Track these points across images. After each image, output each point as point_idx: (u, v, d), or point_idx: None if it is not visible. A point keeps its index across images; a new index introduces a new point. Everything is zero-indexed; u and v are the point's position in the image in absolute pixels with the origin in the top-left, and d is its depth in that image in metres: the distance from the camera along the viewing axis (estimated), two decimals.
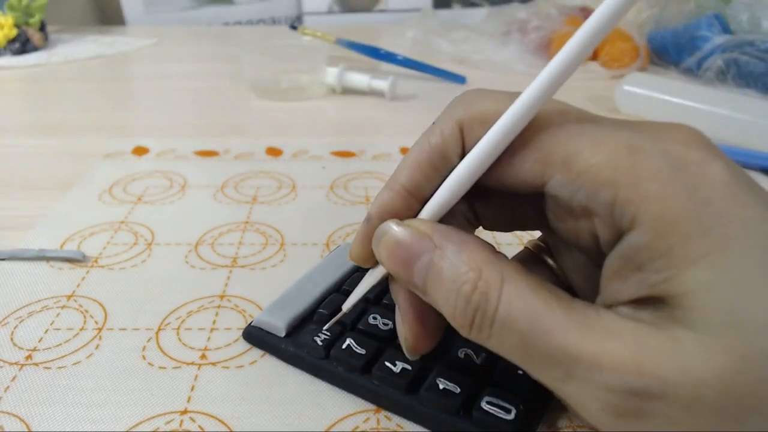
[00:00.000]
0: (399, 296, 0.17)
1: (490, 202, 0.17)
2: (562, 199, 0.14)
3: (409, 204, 0.16)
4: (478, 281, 0.14)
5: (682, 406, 0.12)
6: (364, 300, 0.21)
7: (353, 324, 0.20)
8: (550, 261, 0.18)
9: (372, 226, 0.16)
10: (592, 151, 0.13)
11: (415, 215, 0.16)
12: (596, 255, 0.15)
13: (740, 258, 0.12)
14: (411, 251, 0.15)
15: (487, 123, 0.15)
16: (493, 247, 0.15)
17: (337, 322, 0.20)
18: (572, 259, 0.17)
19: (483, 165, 0.15)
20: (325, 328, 0.19)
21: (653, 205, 0.13)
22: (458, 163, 0.15)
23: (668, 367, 0.12)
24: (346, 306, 0.18)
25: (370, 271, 0.18)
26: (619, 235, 0.13)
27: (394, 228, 0.15)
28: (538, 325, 0.13)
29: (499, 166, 0.15)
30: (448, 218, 0.16)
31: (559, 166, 0.14)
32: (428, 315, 0.16)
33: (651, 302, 0.13)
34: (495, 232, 0.28)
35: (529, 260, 0.18)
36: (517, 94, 0.15)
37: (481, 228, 0.18)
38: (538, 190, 0.15)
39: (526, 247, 0.19)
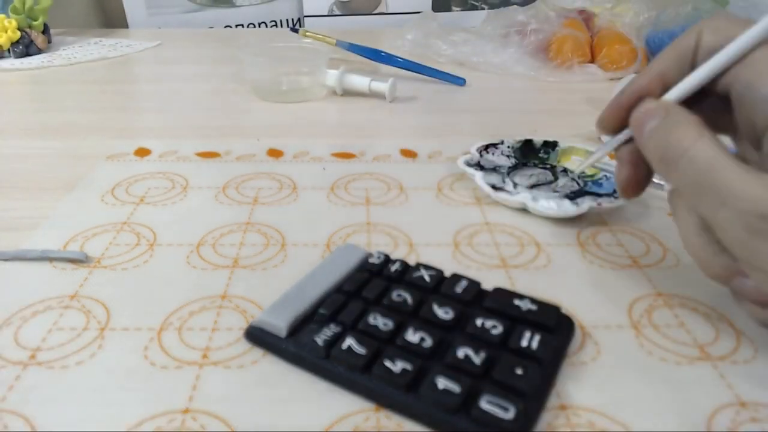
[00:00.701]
0: (624, 154, 0.23)
1: (699, 105, 0.21)
2: (740, 95, 0.20)
3: (654, 85, 0.22)
4: (681, 132, 0.19)
5: None
6: (365, 300, 0.21)
7: (353, 324, 0.20)
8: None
9: (624, 96, 0.23)
10: (765, 62, 0.20)
11: (656, 94, 0.22)
12: (756, 142, 0.20)
13: None
14: (650, 111, 0.21)
15: (718, 32, 0.21)
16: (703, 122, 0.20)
17: (337, 322, 0.20)
18: (744, 150, 0.22)
19: (720, 68, 0.20)
20: (577, 172, 0.28)
21: None
22: (692, 59, 0.21)
23: None
24: (583, 167, 0.27)
25: (609, 139, 0.24)
26: None
27: (647, 100, 0.21)
28: (715, 164, 0.18)
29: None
30: None
31: (745, 70, 0.20)
32: (640, 167, 0.22)
33: None
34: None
35: None
36: (742, 21, 0.21)
37: None
38: (730, 89, 0.20)
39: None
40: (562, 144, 0.35)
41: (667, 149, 0.20)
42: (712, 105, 0.22)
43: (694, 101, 0.22)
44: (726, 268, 0.20)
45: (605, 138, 0.25)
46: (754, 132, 0.20)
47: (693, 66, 0.21)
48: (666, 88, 0.22)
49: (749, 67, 0.20)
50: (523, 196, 0.29)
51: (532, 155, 0.35)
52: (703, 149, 0.19)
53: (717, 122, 0.22)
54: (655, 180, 0.24)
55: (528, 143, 0.35)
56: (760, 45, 0.20)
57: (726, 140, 0.21)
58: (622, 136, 0.23)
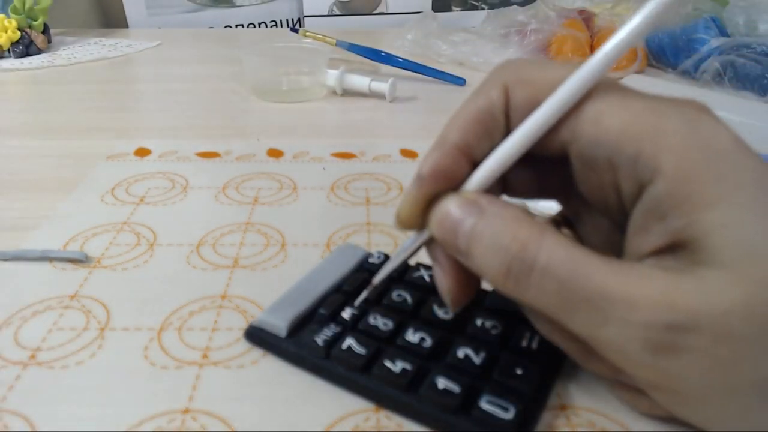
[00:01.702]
0: (440, 253, 0.17)
1: (521, 169, 0.17)
2: (589, 155, 0.16)
3: (458, 162, 0.17)
4: (518, 234, 0.15)
5: (712, 336, 0.13)
6: (364, 300, 0.21)
7: (353, 324, 0.20)
8: (569, 232, 0.19)
9: (424, 186, 0.17)
10: (618, 111, 0.15)
11: (463, 174, 0.17)
12: (617, 213, 0.16)
13: (752, 199, 0.14)
14: (457, 217, 0.16)
15: (530, 85, 0.16)
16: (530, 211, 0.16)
17: (337, 322, 0.20)
18: (594, 225, 0.18)
19: (537, 134, 0.16)
20: (356, 302, 0.21)
21: (673, 156, 0.14)
22: (503, 122, 0.17)
23: (697, 302, 0.13)
24: (377, 279, 0.20)
25: (412, 237, 0.18)
26: (641, 188, 0.15)
27: (446, 200, 0.16)
28: (579, 269, 0.14)
29: None
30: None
31: (590, 123, 0.15)
32: (465, 270, 0.17)
33: (673, 250, 0.14)
34: None
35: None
36: (556, 63, 0.17)
37: (505, 197, 0.19)
38: (567, 149, 0.16)
39: (547, 221, 0.19)
40: None
41: (508, 263, 0.15)
42: (534, 168, 0.18)
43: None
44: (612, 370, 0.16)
45: (411, 233, 0.18)
46: (612, 200, 0.16)
47: (508, 130, 0.16)
48: (474, 164, 0.17)
49: (593, 122, 0.15)
50: None
51: None
52: (555, 251, 0.14)
53: (541, 185, 0.18)
54: None
55: None
56: (595, 93, 0.15)
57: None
58: (423, 238, 0.18)
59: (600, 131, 0.15)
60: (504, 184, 0.18)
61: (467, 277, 0.17)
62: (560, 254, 0.14)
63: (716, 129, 0.15)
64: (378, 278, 0.20)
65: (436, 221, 0.16)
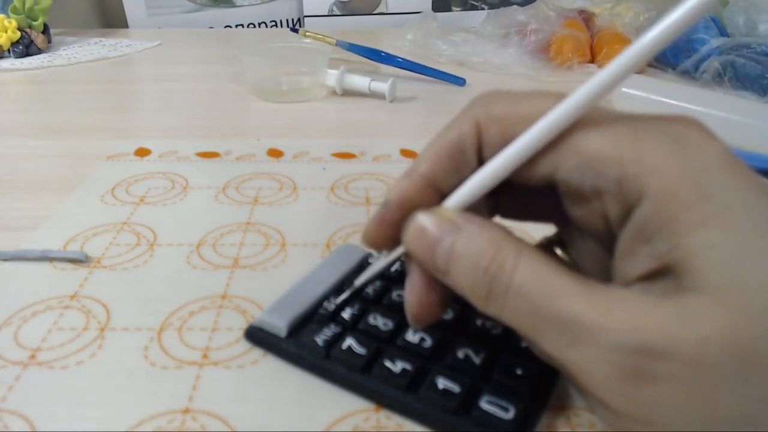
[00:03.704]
0: (413, 269, 0.17)
1: (509, 193, 0.17)
2: (573, 184, 0.15)
3: (426, 193, 0.17)
4: (496, 255, 0.15)
5: (686, 364, 0.12)
6: (364, 300, 0.21)
7: (353, 324, 0.20)
8: (561, 254, 0.18)
9: (389, 211, 0.17)
10: (598, 136, 0.15)
11: (430, 205, 0.17)
12: (608, 239, 0.16)
13: (739, 221, 0.13)
14: (434, 235, 0.16)
15: (502, 123, 0.16)
16: (511, 231, 0.16)
17: (337, 322, 0.20)
18: (585, 248, 0.18)
19: (512, 165, 0.16)
20: (337, 300, 0.21)
21: (656, 177, 0.13)
22: (473, 158, 0.16)
23: (672, 327, 0.12)
24: (359, 282, 0.20)
25: (383, 254, 0.19)
26: (628, 212, 0.14)
27: (421, 216, 0.16)
28: (548, 291, 0.14)
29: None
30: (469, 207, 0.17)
31: (570, 152, 0.15)
32: (437, 289, 0.17)
33: (661, 275, 0.14)
34: None
35: (544, 250, 0.18)
36: (529, 95, 0.16)
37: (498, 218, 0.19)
38: (552, 179, 0.16)
39: (539, 242, 0.19)
40: None
41: (486, 284, 0.14)
42: (517, 194, 0.17)
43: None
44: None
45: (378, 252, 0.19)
46: (599, 225, 0.16)
47: (479, 166, 0.16)
48: (441, 197, 0.17)
49: (579, 149, 0.15)
50: None
51: None
52: (529, 272, 0.14)
53: (526, 211, 0.18)
54: None
55: None
56: (578, 121, 0.15)
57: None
58: (401, 250, 0.18)
59: (581, 160, 0.15)
60: (496, 207, 0.18)
61: (434, 298, 0.17)
62: (533, 275, 0.14)
63: (703, 146, 0.14)
64: (359, 281, 0.20)
65: (411, 238, 0.16)
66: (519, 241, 0.15)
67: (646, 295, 0.13)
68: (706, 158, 0.14)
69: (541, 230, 0.20)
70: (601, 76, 0.14)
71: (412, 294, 0.17)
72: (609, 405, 0.14)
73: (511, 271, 0.14)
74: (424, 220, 0.16)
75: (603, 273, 0.16)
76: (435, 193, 0.17)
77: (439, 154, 0.17)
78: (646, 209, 0.14)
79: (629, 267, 0.14)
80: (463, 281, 0.15)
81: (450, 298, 0.17)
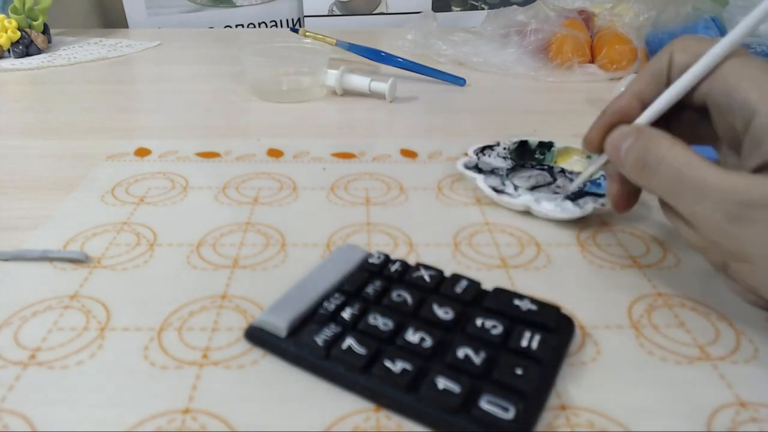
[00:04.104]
0: (611, 168, 0.25)
1: (680, 119, 0.24)
2: (717, 104, 0.22)
3: (633, 104, 0.24)
4: (656, 138, 0.21)
5: None
6: (365, 300, 0.21)
7: (353, 324, 0.20)
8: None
9: (606, 117, 0.24)
10: (737, 71, 0.21)
11: (636, 113, 0.23)
12: (737, 145, 0.22)
13: None
14: (622, 136, 0.23)
15: (687, 51, 0.23)
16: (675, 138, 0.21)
17: (337, 322, 0.20)
18: (722, 156, 0.24)
19: (686, 87, 0.22)
20: (567, 193, 0.29)
21: (762, 103, 0.20)
22: (667, 77, 0.23)
23: (766, 187, 0.18)
24: (580, 181, 0.28)
25: (595, 158, 0.26)
26: (747, 125, 0.20)
27: (620, 126, 0.23)
28: (690, 163, 0.20)
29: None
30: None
31: (719, 81, 0.22)
32: (629, 184, 0.24)
33: (766, 168, 0.20)
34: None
35: None
36: (708, 39, 0.23)
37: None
38: (705, 100, 0.22)
39: None
40: (558, 144, 0.35)
41: (645, 159, 0.21)
42: (690, 118, 0.24)
43: (673, 116, 0.23)
44: (719, 259, 0.21)
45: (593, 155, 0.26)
46: (734, 136, 0.22)
47: (668, 84, 0.23)
48: (644, 107, 0.23)
49: (721, 78, 0.21)
50: (526, 199, 0.29)
51: (528, 156, 0.35)
52: (679, 153, 0.20)
53: (696, 133, 0.24)
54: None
55: (523, 144, 0.35)
56: (727, 58, 0.21)
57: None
58: (605, 157, 0.24)
59: (725, 86, 0.21)
60: (668, 131, 0.23)
61: (627, 189, 0.24)
62: (680, 153, 0.20)
63: None
64: (572, 187, 0.29)
65: (610, 141, 0.23)
66: (677, 138, 0.21)
67: (755, 174, 0.19)
68: None
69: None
70: (749, 19, 0.21)
71: (612, 188, 0.25)
72: (719, 243, 0.20)
73: (666, 150, 0.21)
74: (621, 128, 0.23)
75: None
76: (641, 105, 0.23)
77: (645, 74, 0.24)
78: (758, 121, 0.20)
79: (749, 162, 0.20)
80: (630, 161, 0.22)
81: (639, 193, 0.25)
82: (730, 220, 0.19)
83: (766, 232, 0.18)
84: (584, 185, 0.30)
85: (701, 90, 0.22)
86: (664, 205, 0.23)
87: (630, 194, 0.25)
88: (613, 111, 0.24)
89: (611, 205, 0.25)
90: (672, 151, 0.21)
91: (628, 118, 0.24)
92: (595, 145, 0.24)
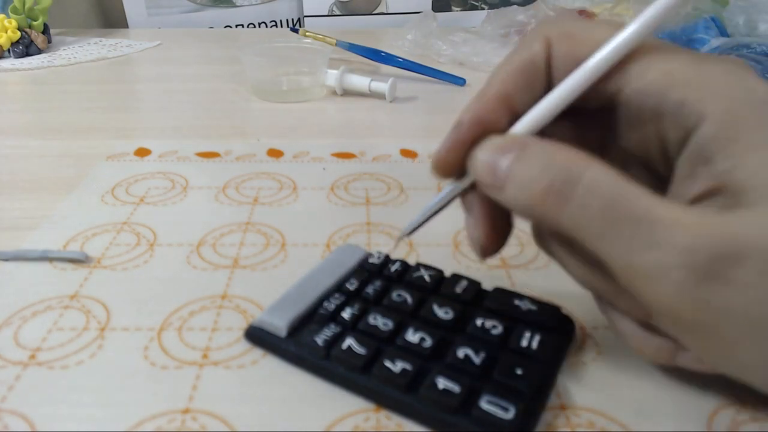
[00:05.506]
0: (475, 203, 0.18)
1: (562, 123, 0.17)
2: (634, 106, 0.16)
3: (498, 113, 0.17)
4: (565, 154, 0.15)
5: (760, 269, 0.13)
6: (365, 300, 0.21)
7: (353, 324, 0.20)
8: None
9: (461, 132, 0.17)
10: (663, 63, 0.15)
11: (502, 125, 0.17)
12: (662, 165, 0.16)
13: None
14: (498, 150, 0.16)
15: (572, 39, 0.16)
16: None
17: (337, 322, 0.20)
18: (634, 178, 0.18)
19: (587, 84, 0.16)
20: (400, 236, 0.21)
21: (719, 101, 0.14)
22: (544, 74, 0.17)
23: (746, 234, 0.13)
24: (421, 217, 0.20)
25: (448, 184, 0.18)
26: (686, 135, 0.15)
27: (493, 137, 0.16)
28: (626, 190, 0.14)
29: None
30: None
31: (635, 75, 0.16)
32: (500, 220, 0.18)
33: (716, 195, 0.14)
34: None
35: None
36: (594, 22, 0.17)
37: None
38: (613, 101, 0.16)
39: None
40: None
41: (552, 181, 0.14)
42: (571, 120, 0.17)
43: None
44: (665, 349, 0.16)
45: (446, 183, 0.19)
46: (654, 150, 0.16)
47: (549, 83, 0.17)
48: (514, 115, 0.17)
49: (642, 73, 0.15)
50: None
51: None
52: (602, 172, 0.14)
53: (579, 140, 0.18)
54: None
55: None
56: (642, 48, 0.16)
57: None
58: (467, 181, 0.18)
59: (646, 81, 0.15)
60: (544, 137, 0.18)
61: (497, 226, 0.18)
62: (607, 175, 0.14)
63: (757, 81, 0.15)
64: (408, 230, 0.20)
65: (479, 156, 0.16)
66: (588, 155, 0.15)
67: (709, 208, 0.14)
68: (761, 89, 0.15)
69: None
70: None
71: (478, 229, 0.18)
72: (677, 312, 0.14)
73: (584, 169, 0.14)
74: (493, 138, 0.16)
75: None
76: (507, 113, 0.17)
77: (511, 72, 0.17)
78: (707, 130, 0.14)
79: (686, 187, 0.15)
80: (525, 186, 0.15)
81: (511, 228, 0.18)
82: (696, 278, 0.13)
83: (747, 295, 0.13)
84: (425, 221, 0.20)
85: (604, 89, 0.16)
86: (552, 237, 0.17)
87: (501, 233, 0.18)
88: (472, 121, 0.17)
89: (477, 250, 0.18)
90: (592, 167, 0.14)
91: (493, 131, 0.17)
92: (451, 167, 0.17)
